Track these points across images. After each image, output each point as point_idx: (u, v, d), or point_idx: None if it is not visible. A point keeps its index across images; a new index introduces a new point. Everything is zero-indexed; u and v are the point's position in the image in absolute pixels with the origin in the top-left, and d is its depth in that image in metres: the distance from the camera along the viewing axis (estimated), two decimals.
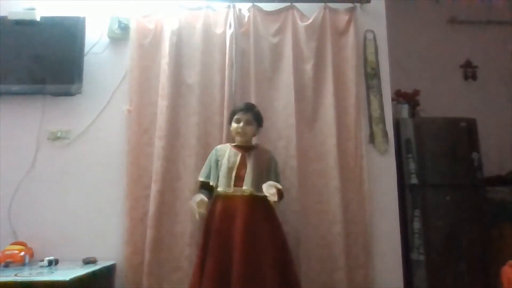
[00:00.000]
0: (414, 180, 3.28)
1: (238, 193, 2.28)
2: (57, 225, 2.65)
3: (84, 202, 2.68)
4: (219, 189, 2.32)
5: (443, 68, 4.07)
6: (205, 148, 2.67)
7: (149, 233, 2.53)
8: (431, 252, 3.15)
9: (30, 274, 2.18)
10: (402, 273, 2.69)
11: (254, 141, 2.52)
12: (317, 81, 2.80)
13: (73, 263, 2.44)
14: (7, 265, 2.36)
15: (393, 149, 2.85)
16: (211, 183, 2.37)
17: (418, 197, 3.26)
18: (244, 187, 2.28)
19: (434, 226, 3.20)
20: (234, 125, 2.41)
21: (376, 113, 2.85)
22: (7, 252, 2.42)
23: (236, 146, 2.43)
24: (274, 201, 2.17)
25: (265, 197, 2.25)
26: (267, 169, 2.39)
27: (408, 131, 3.38)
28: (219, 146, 2.49)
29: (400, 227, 2.76)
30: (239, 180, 2.30)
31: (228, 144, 2.49)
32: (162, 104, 2.67)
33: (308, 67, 2.81)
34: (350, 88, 2.80)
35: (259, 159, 2.38)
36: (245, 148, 2.41)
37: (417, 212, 3.22)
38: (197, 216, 2.20)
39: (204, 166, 2.45)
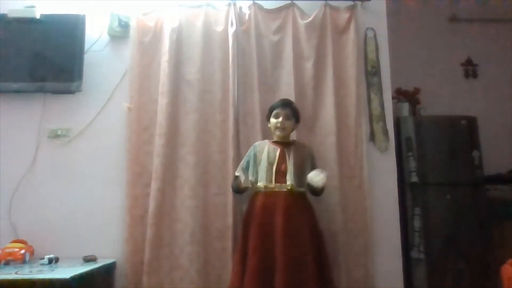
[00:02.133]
0: (414, 179, 3.27)
1: (279, 189, 2.30)
2: (58, 223, 2.65)
3: (84, 200, 2.68)
4: (260, 184, 2.34)
5: (444, 66, 4.06)
6: (205, 145, 2.67)
7: (149, 231, 2.53)
8: (431, 250, 3.15)
9: (31, 272, 2.18)
10: (402, 271, 2.70)
11: (292, 137, 2.53)
12: (317, 79, 2.80)
13: (73, 261, 2.44)
14: (7, 263, 2.36)
15: (394, 147, 2.85)
16: (250, 178, 2.36)
17: (418, 195, 3.25)
18: (287, 182, 2.30)
19: (434, 224, 3.20)
20: (273, 120, 2.43)
21: (376, 111, 2.84)
22: (8, 250, 2.42)
23: (275, 142, 2.44)
24: (319, 187, 2.25)
25: (304, 192, 2.35)
26: (306, 164, 2.40)
27: (409, 129, 3.37)
28: (257, 142, 2.51)
29: (400, 226, 2.76)
30: (279, 175, 2.32)
31: (266, 140, 2.50)
32: (162, 101, 2.67)
33: (309, 65, 2.80)
34: (351, 86, 2.80)
35: (298, 154, 2.40)
36: (284, 144, 2.42)
37: (417, 211, 3.22)
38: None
39: (242, 161, 2.47)
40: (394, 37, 3.09)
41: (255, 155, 2.42)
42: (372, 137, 2.81)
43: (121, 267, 2.56)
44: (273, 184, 2.31)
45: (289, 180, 2.30)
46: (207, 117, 2.71)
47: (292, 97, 2.68)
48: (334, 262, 2.54)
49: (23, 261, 2.40)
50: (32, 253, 2.51)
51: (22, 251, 2.43)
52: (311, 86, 2.79)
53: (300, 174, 2.34)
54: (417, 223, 3.20)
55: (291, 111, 2.44)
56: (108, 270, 2.50)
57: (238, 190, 2.41)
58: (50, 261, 2.38)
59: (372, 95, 2.86)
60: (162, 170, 2.59)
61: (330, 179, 2.61)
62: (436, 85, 3.92)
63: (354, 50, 2.82)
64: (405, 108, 3.57)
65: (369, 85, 2.87)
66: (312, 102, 2.78)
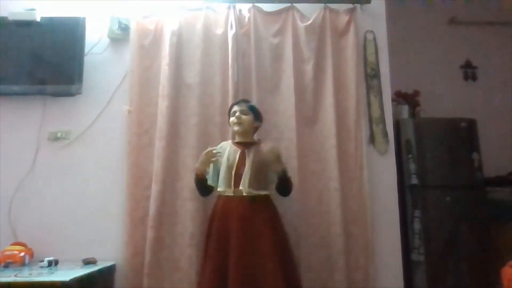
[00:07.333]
0: (414, 181, 3.28)
1: (237, 194, 2.22)
2: (57, 225, 2.65)
3: (84, 203, 2.68)
4: (219, 189, 2.29)
5: (443, 69, 4.07)
6: (205, 148, 2.65)
7: (149, 234, 2.52)
8: (431, 252, 3.15)
9: (30, 274, 2.18)
10: (402, 273, 2.69)
11: (256, 137, 2.49)
12: (317, 81, 2.80)
13: (73, 263, 2.44)
14: (7, 266, 2.36)
15: (393, 150, 2.85)
16: (209, 183, 2.36)
17: (418, 197, 3.26)
18: (241, 187, 2.21)
19: (434, 226, 3.21)
20: (231, 118, 2.39)
21: (376, 113, 2.85)
22: (7, 253, 2.42)
23: (237, 143, 2.39)
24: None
25: (266, 196, 2.26)
26: (268, 164, 2.27)
27: (408, 132, 3.38)
28: (220, 144, 2.46)
29: (400, 228, 2.76)
30: (238, 179, 2.24)
31: (230, 141, 2.46)
32: (162, 104, 2.67)
33: (308, 67, 2.81)
34: (350, 89, 2.80)
35: (260, 155, 2.29)
36: (246, 144, 2.36)
37: (417, 213, 3.22)
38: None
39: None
40: (393, 39, 3.10)
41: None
42: (372, 139, 2.81)
43: (121, 269, 2.55)
44: (231, 189, 2.23)
45: (243, 185, 2.20)
46: (207, 120, 2.71)
47: (292, 100, 2.69)
48: (334, 264, 2.55)
49: (22, 263, 2.40)
50: (31, 255, 2.51)
51: (22, 254, 2.43)
52: (311, 89, 2.79)
53: (262, 177, 2.25)
54: (417, 226, 3.20)
55: (248, 106, 2.39)
56: (108, 273, 2.50)
57: (201, 186, 2.38)
58: (50, 263, 2.38)
59: (372, 98, 2.86)
60: (162, 173, 2.58)
61: (330, 181, 2.64)
62: (435, 87, 3.93)
63: (353, 52, 2.82)
64: (405, 110, 3.58)
65: (368, 88, 2.87)
66: (312, 105, 2.78)
